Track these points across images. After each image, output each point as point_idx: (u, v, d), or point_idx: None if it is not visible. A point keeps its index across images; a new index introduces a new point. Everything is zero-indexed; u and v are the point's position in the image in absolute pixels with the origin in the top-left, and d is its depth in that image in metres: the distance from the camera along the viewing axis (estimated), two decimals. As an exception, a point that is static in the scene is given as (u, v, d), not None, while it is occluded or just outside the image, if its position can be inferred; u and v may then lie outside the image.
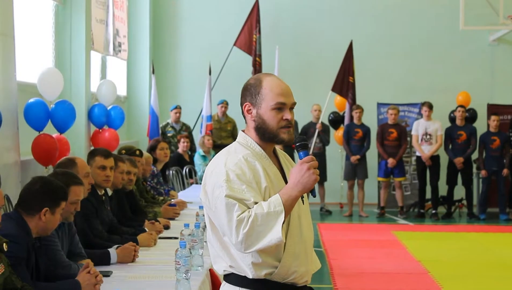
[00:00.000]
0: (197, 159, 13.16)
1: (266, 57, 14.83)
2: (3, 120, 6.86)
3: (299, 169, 3.27)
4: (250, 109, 3.43)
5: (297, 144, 3.38)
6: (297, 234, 3.37)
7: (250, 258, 3.29)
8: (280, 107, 3.38)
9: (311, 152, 14.16)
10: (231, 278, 3.40)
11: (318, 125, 14.35)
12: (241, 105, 3.48)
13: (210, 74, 14.37)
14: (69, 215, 4.71)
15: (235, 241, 3.20)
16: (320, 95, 14.86)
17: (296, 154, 3.44)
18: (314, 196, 3.37)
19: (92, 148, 10.58)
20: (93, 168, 5.88)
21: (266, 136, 3.41)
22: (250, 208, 3.22)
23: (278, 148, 3.57)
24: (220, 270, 3.44)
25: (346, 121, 14.65)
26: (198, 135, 14.39)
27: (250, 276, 3.32)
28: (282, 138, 3.40)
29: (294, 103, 3.43)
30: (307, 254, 3.46)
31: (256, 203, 3.24)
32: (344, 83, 14.62)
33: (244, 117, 3.50)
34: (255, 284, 3.33)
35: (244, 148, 3.43)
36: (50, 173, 4.83)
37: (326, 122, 14.93)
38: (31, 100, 8.56)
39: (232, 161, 3.33)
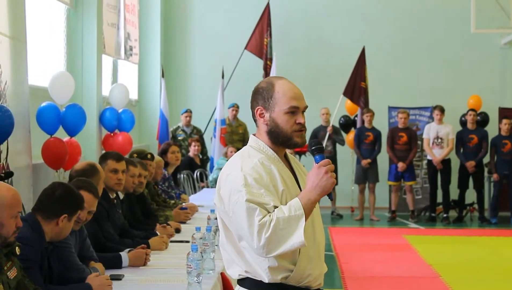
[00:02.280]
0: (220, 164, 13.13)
1: (276, 60, 14.83)
2: (15, 124, 6.87)
3: (317, 173, 3.28)
4: (263, 113, 3.42)
5: (313, 147, 3.38)
6: (311, 237, 3.37)
7: (267, 263, 3.29)
8: (293, 111, 3.38)
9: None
10: (246, 282, 3.39)
11: (329, 128, 14.33)
12: (253, 108, 3.47)
13: (223, 77, 14.38)
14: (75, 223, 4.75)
15: (257, 246, 3.19)
16: (330, 99, 14.85)
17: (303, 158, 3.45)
18: (331, 199, 3.39)
19: (104, 151, 10.61)
20: (105, 171, 5.90)
21: (279, 140, 3.41)
22: (270, 212, 3.21)
23: (288, 152, 3.57)
24: (235, 274, 3.43)
25: (359, 125, 14.64)
26: (210, 139, 14.41)
27: (266, 280, 3.32)
28: (296, 142, 3.41)
29: (306, 107, 3.44)
30: (320, 256, 3.47)
31: (275, 207, 3.23)
32: (356, 88, 14.60)
33: (255, 120, 3.49)
34: (270, 288, 3.33)
35: (258, 152, 3.42)
36: (73, 181, 4.88)
37: (337, 126, 14.91)
38: (44, 104, 8.59)
39: (249, 165, 3.32)
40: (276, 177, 3.35)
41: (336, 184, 12.87)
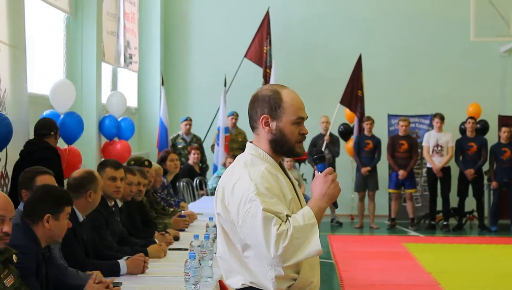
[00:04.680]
0: (220, 173, 13.09)
1: (276, 68, 14.84)
2: (14, 132, 6.88)
3: (324, 181, 3.29)
4: (268, 121, 3.39)
5: (315, 156, 3.39)
6: None
7: (273, 273, 3.28)
8: (299, 122, 3.39)
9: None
10: None
11: (326, 137, 14.33)
12: (253, 116, 3.43)
13: (225, 85, 14.38)
14: None
15: (274, 255, 3.17)
16: (329, 107, 14.85)
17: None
18: (337, 207, 3.41)
19: (103, 159, 10.62)
20: (103, 179, 5.88)
21: (283, 149, 3.40)
22: (283, 221, 3.20)
23: (286, 160, 3.58)
24: (237, 284, 3.40)
25: (355, 133, 14.65)
26: (210, 147, 14.41)
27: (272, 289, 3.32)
28: (298, 152, 3.42)
29: (307, 117, 3.45)
30: (318, 264, 3.49)
31: (287, 215, 3.23)
32: (353, 96, 14.62)
33: (253, 128, 3.46)
34: None
35: (261, 160, 3.39)
36: (24, 173, 5.01)
37: (336, 134, 14.92)
38: (46, 112, 8.60)
39: (257, 174, 3.29)
40: (284, 185, 3.35)
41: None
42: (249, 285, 3.35)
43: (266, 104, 3.38)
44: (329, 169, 3.33)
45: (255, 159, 3.40)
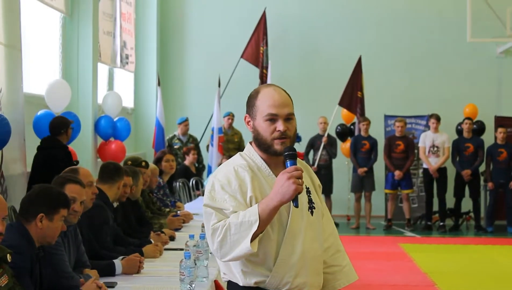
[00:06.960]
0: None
1: (272, 69, 14.85)
2: (11, 132, 6.87)
3: (280, 179, 3.23)
4: (250, 120, 3.45)
5: (285, 153, 3.35)
6: (293, 245, 3.34)
7: (240, 266, 3.33)
8: (272, 119, 3.36)
9: (316, 164, 14.15)
10: (229, 285, 3.46)
11: (324, 139, 14.32)
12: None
13: (219, 86, 14.35)
14: (68, 216, 4.64)
15: (212, 249, 3.27)
16: (327, 107, 14.84)
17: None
18: (296, 207, 3.28)
19: (99, 159, 10.62)
20: (118, 184, 6.25)
21: (262, 147, 3.41)
22: (227, 217, 3.24)
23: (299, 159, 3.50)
24: (223, 277, 3.51)
25: (357, 133, 14.63)
26: (206, 147, 14.39)
27: (240, 283, 3.36)
28: (275, 150, 3.37)
29: (290, 114, 3.37)
30: (309, 266, 3.41)
31: (235, 212, 3.25)
32: (353, 98, 14.61)
33: None
34: None
35: (242, 158, 3.44)
36: (55, 179, 4.85)
37: (333, 134, 14.91)
38: (41, 111, 8.59)
39: (223, 172, 3.38)
40: (247, 184, 3.33)
41: (331, 192, 12.73)
42: (228, 279, 3.44)
43: (247, 104, 3.47)
44: (290, 167, 3.26)
45: (237, 158, 3.47)
